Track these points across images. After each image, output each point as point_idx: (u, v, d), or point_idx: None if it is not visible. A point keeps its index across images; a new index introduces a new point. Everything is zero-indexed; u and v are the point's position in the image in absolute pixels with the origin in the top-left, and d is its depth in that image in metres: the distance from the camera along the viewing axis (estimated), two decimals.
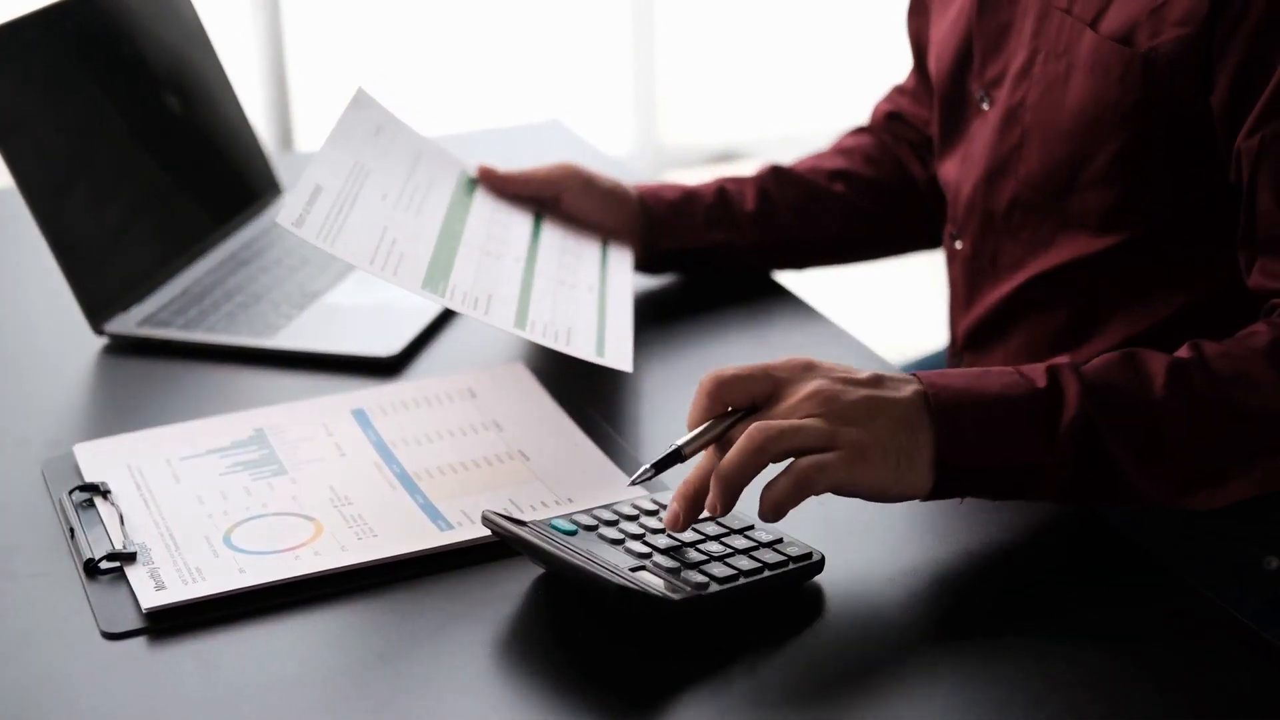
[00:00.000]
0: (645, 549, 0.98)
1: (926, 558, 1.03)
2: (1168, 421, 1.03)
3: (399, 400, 1.22)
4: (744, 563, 0.97)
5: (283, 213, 1.14)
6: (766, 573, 0.97)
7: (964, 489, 1.02)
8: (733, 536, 1.00)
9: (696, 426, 1.01)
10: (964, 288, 1.37)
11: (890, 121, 1.53)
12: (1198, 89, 1.14)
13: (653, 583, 0.95)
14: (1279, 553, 1.26)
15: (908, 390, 1.01)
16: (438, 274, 1.21)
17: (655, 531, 1.01)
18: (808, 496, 0.97)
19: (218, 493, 1.10)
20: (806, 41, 4.18)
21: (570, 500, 1.09)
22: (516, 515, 1.04)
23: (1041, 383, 1.02)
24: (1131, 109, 1.18)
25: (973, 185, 1.32)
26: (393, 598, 1.00)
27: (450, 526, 1.05)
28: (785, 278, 1.49)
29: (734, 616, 0.96)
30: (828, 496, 1.04)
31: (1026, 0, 1.26)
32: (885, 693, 0.91)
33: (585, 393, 1.23)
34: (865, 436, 0.97)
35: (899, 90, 1.54)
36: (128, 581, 1.00)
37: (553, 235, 1.37)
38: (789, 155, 1.54)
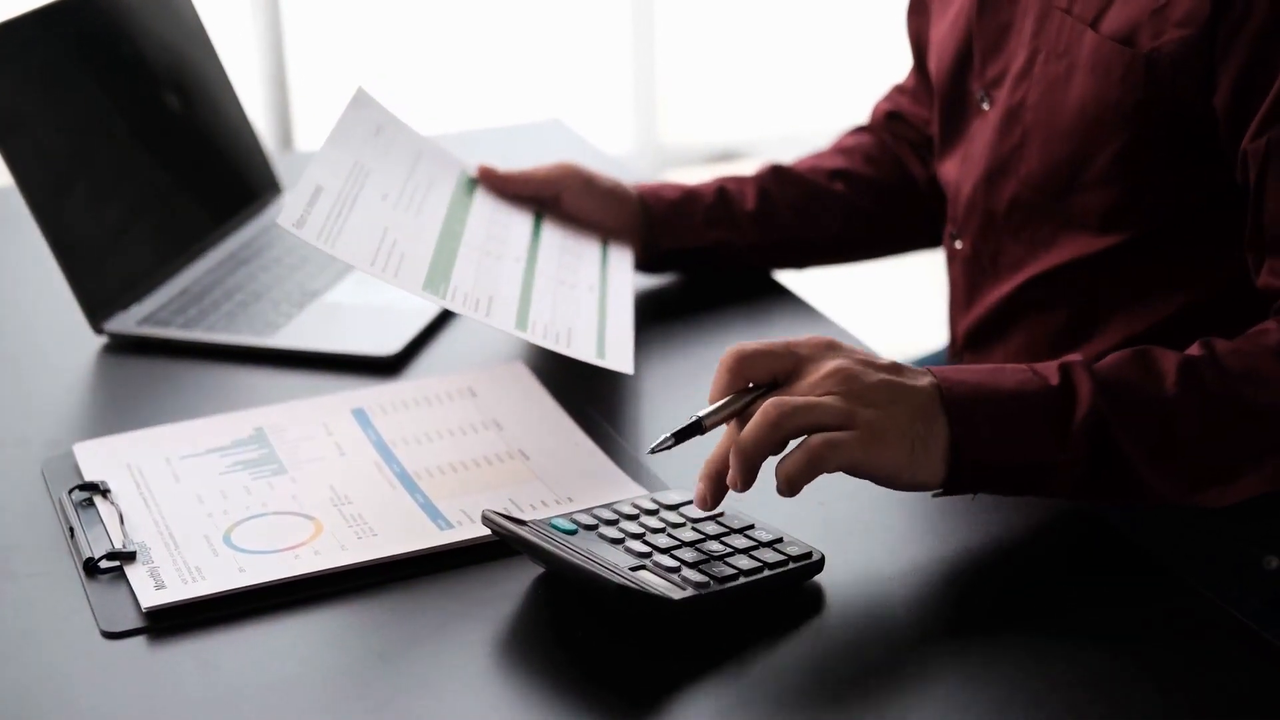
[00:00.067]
0: (645, 548, 0.98)
1: (926, 557, 1.03)
2: (1179, 419, 1.03)
3: (399, 399, 1.22)
4: (744, 562, 0.97)
5: (283, 214, 1.14)
6: (766, 572, 0.97)
7: (976, 485, 1.02)
8: (733, 536, 1.00)
9: (717, 400, 1.01)
10: (964, 287, 1.37)
11: (890, 121, 1.53)
12: (1199, 90, 1.14)
13: (653, 582, 0.95)
14: (1279, 552, 1.26)
15: (923, 381, 1.01)
16: (438, 275, 1.21)
17: (655, 531, 1.01)
18: (821, 473, 0.97)
19: (217, 492, 1.10)
20: (806, 41, 4.18)
21: (570, 499, 1.09)
22: (516, 514, 1.04)
23: (1054, 380, 1.02)
24: (1132, 109, 1.18)
25: (973, 185, 1.32)
26: (392, 597, 1.00)
27: (450, 526, 1.05)
28: (786, 277, 1.49)
29: (734, 616, 0.96)
30: (828, 496, 1.04)
31: (1026, 0, 1.26)
32: (885, 692, 0.91)
33: (585, 392, 1.23)
34: (882, 418, 0.98)
35: (899, 90, 1.54)
36: (127, 581, 1.00)
37: (553, 235, 1.37)
38: (789, 154, 1.54)
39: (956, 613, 0.99)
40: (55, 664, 0.94)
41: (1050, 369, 1.03)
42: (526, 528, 0.98)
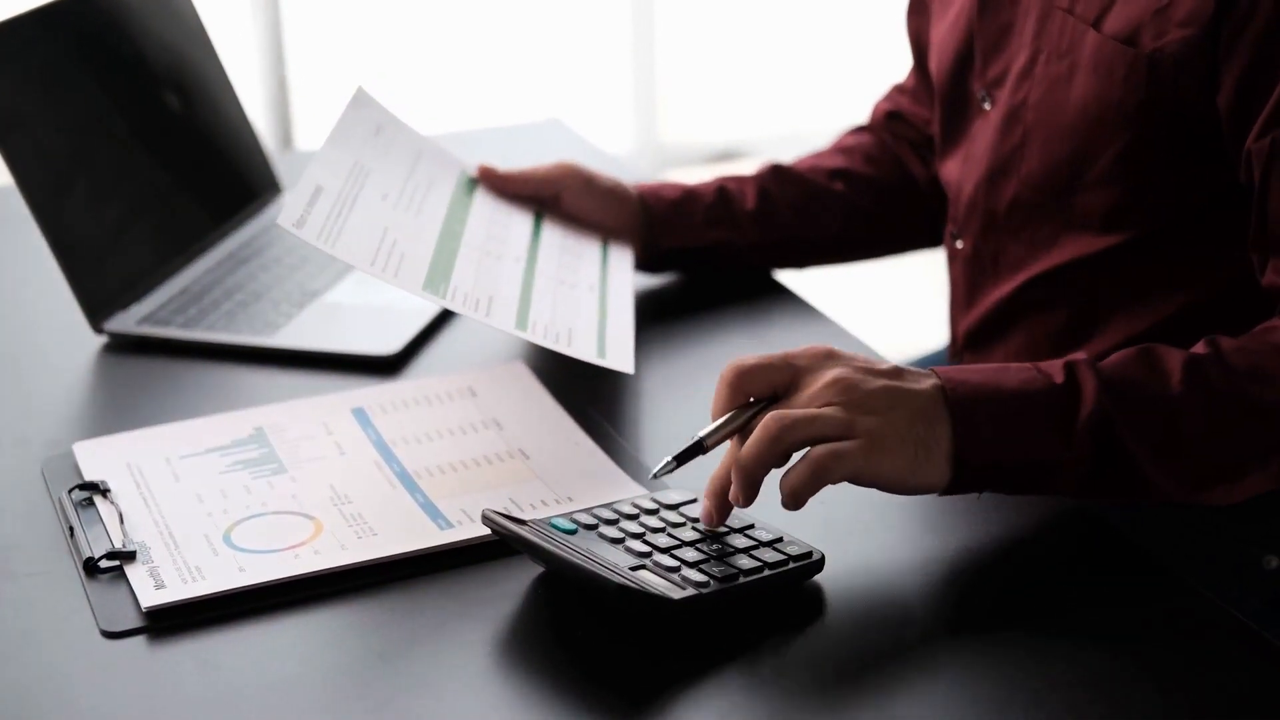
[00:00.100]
0: (645, 548, 0.98)
1: (926, 557, 1.03)
2: (1185, 417, 1.03)
3: (399, 399, 1.22)
4: (744, 562, 0.97)
5: (283, 214, 1.14)
6: (766, 572, 0.97)
7: (981, 484, 1.02)
8: (733, 535, 1.00)
9: (719, 418, 1.02)
10: (965, 287, 1.37)
11: (890, 120, 1.53)
12: (1202, 89, 1.14)
13: (653, 582, 0.95)
14: (1279, 552, 1.26)
15: (926, 383, 1.01)
16: (438, 275, 1.21)
17: (655, 530, 1.01)
18: (825, 485, 0.97)
19: (217, 491, 1.10)
20: (806, 40, 4.18)
21: (570, 499, 1.09)
22: (516, 514, 1.04)
23: (1059, 378, 1.02)
24: (1134, 109, 1.18)
25: (974, 185, 1.32)
26: (392, 596, 1.00)
27: (450, 525, 1.05)
28: (786, 277, 1.49)
29: (734, 615, 0.96)
30: (828, 495, 1.04)
31: (1028, 0, 1.26)
32: (885, 692, 0.91)
33: (585, 392, 1.23)
34: (883, 426, 0.97)
35: (899, 89, 1.54)
36: (127, 580, 1.00)
37: (553, 235, 1.37)
38: (789, 154, 1.54)
39: (957, 612, 0.99)
40: (55, 664, 0.94)
41: (1055, 367, 1.03)
42: (526, 527, 0.98)
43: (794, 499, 0.97)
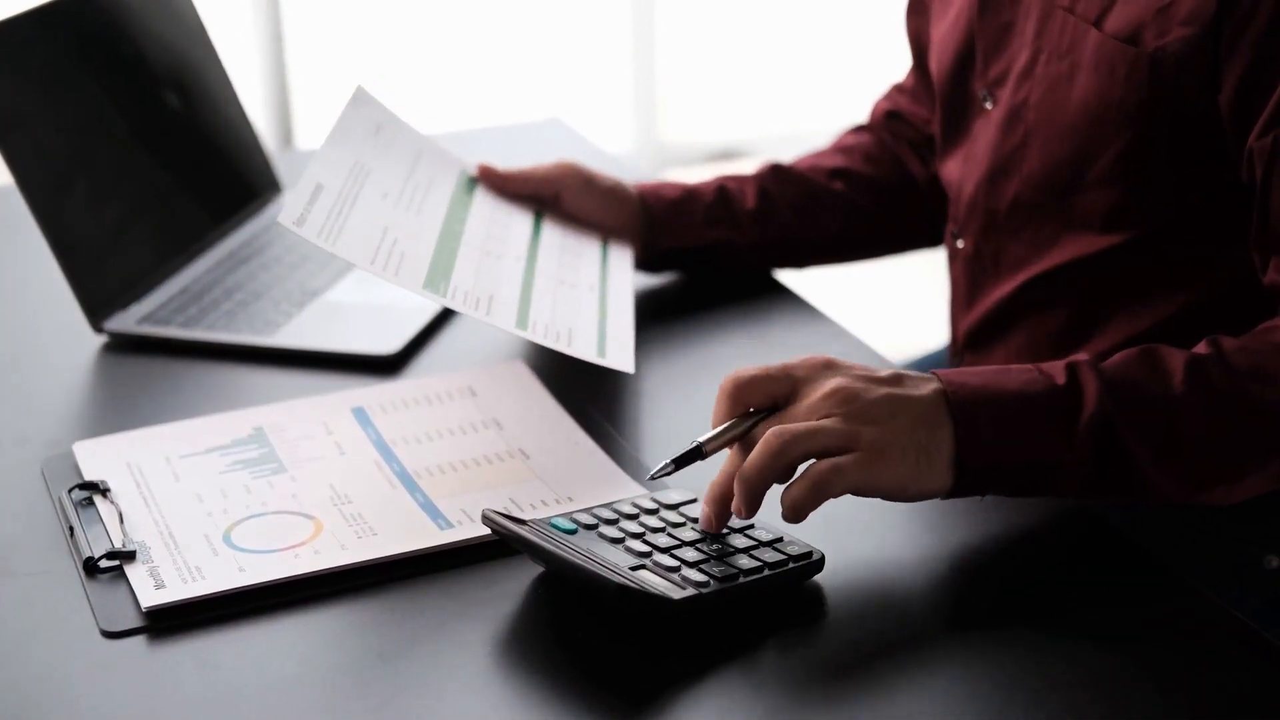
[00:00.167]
0: (645, 548, 0.98)
1: (927, 557, 1.03)
2: (1186, 418, 1.03)
3: (399, 399, 1.22)
4: (744, 562, 0.97)
5: (284, 212, 1.14)
6: (766, 572, 0.97)
7: (983, 487, 1.02)
8: (733, 535, 1.00)
9: (719, 426, 1.02)
10: (965, 287, 1.37)
11: (889, 120, 1.53)
12: (1204, 88, 1.14)
13: (653, 581, 0.95)
14: (1279, 552, 1.26)
15: (927, 388, 1.01)
16: (439, 274, 1.21)
17: (655, 530, 1.01)
18: (827, 499, 0.97)
19: (217, 491, 1.10)
20: (806, 40, 4.18)
21: (570, 499, 1.09)
22: (516, 514, 1.04)
23: (1061, 380, 1.02)
24: (1136, 108, 1.18)
25: (975, 184, 1.32)
26: (392, 596, 0.99)
27: (450, 525, 1.05)
28: (786, 277, 1.49)
29: (734, 615, 0.96)
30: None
31: (1028, 0, 1.26)
32: (885, 692, 0.91)
33: (585, 391, 1.23)
34: (885, 435, 0.97)
35: (898, 89, 1.54)
36: (127, 580, 1.00)
37: (553, 234, 1.37)
38: (789, 153, 1.54)
39: (957, 612, 0.99)
40: (55, 663, 0.94)
41: (1057, 368, 1.03)
42: (526, 527, 0.98)
43: (795, 514, 0.97)
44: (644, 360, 1.27)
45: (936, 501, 1.05)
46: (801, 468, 0.98)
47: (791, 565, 0.98)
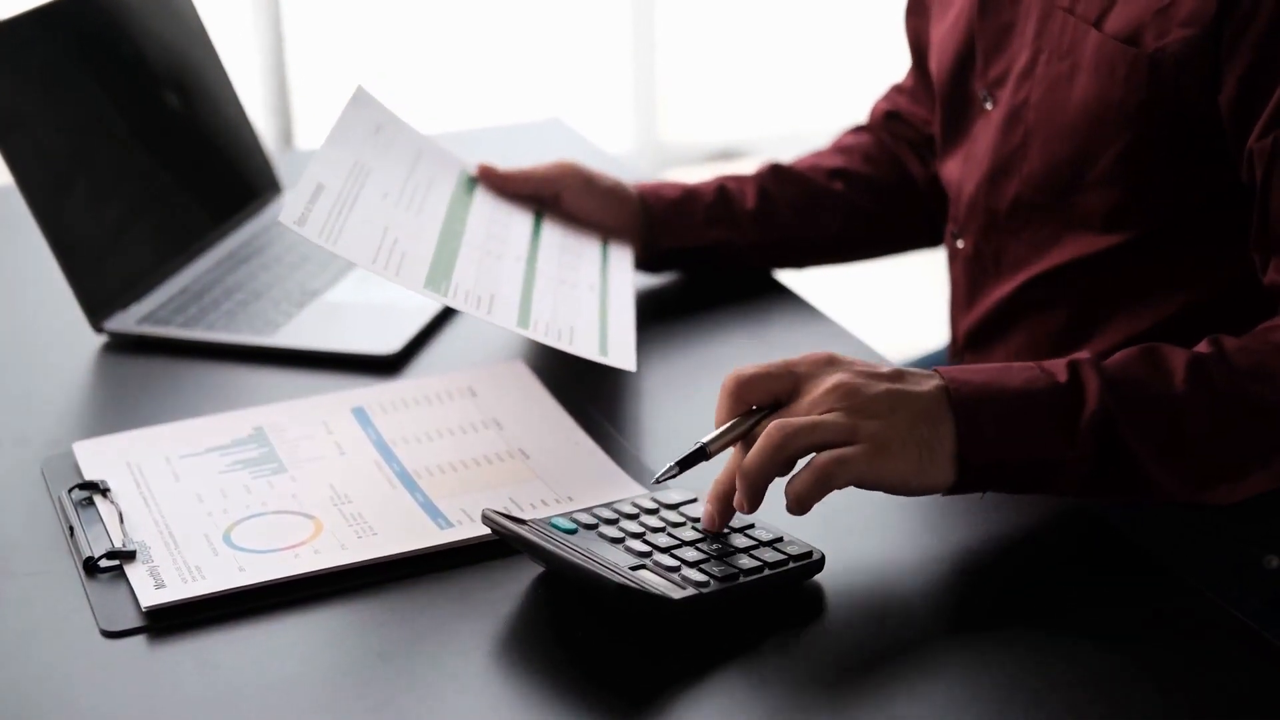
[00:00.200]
0: (645, 548, 0.98)
1: (927, 556, 1.03)
2: (1188, 416, 1.03)
3: (399, 398, 1.22)
4: (744, 561, 0.97)
5: (285, 211, 1.14)
6: (766, 571, 0.97)
7: (985, 484, 1.02)
8: (733, 535, 1.00)
9: (721, 425, 1.02)
10: (965, 287, 1.37)
11: (889, 120, 1.53)
12: (1204, 89, 1.14)
13: (653, 581, 0.95)
14: (1279, 552, 1.26)
15: (929, 385, 1.01)
16: (440, 274, 1.21)
17: (655, 530, 1.01)
18: (830, 490, 0.97)
19: (217, 491, 1.10)
20: (806, 40, 4.18)
21: (570, 499, 1.09)
22: (516, 514, 1.04)
23: (1062, 377, 1.02)
24: (1136, 109, 1.18)
25: (975, 184, 1.32)
26: (392, 596, 0.99)
27: (450, 525, 1.05)
28: (786, 276, 1.49)
29: (734, 615, 0.96)
30: (829, 495, 1.04)
31: (1029, 0, 1.26)
32: (885, 691, 0.91)
33: (585, 391, 1.23)
34: (886, 430, 0.98)
35: (897, 89, 1.54)
36: (127, 580, 1.00)
37: (553, 234, 1.37)
38: (789, 153, 1.54)
39: (957, 612, 0.99)
40: (55, 663, 0.94)
41: (1058, 366, 1.03)
42: (526, 527, 0.98)
43: (799, 505, 0.97)
44: (644, 360, 1.27)
45: (937, 501, 1.05)
46: (802, 462, 0.98)
47: (791, 565, 0.98)
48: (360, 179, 1.25)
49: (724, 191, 1.44)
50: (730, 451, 1.02)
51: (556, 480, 1.11)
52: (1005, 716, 0.90)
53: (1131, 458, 1.02)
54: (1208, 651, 0.94)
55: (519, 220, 1.37)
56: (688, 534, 1.00)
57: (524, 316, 1.22)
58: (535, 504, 1.08)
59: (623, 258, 1.39)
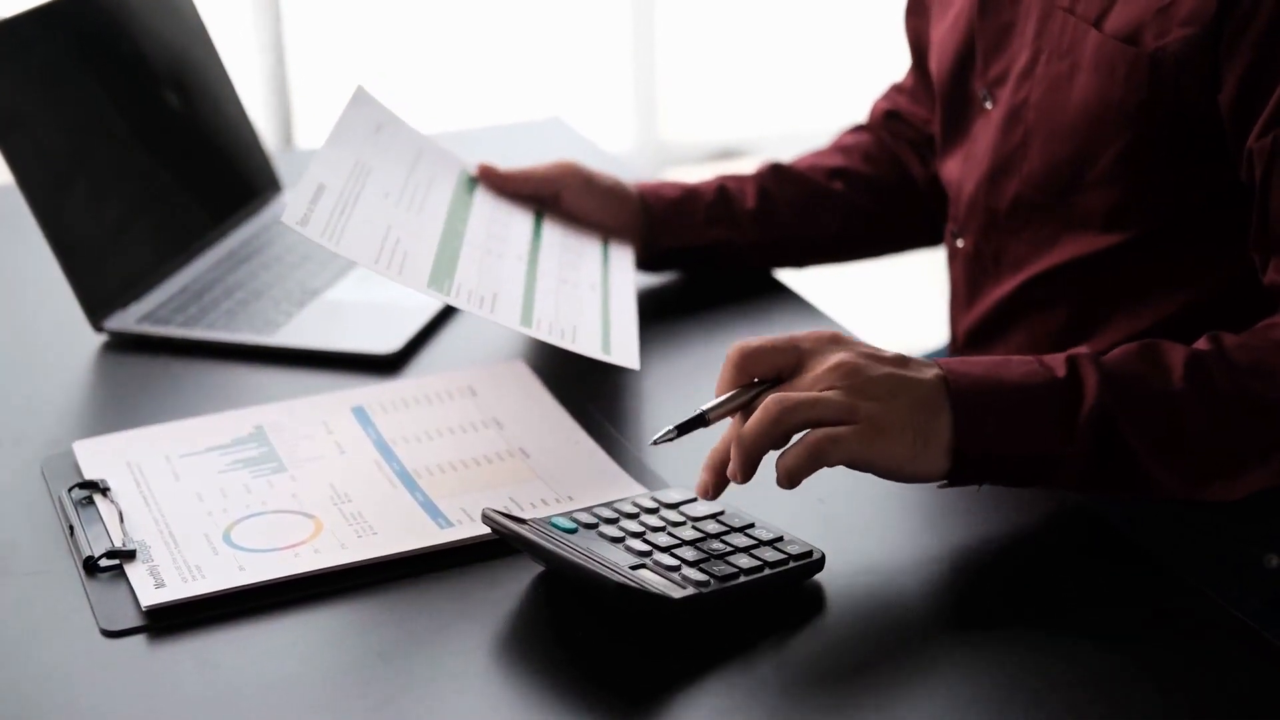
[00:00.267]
0: (645, 547, 0.98)
1: (927, 556, 1.03)
2: (1186, 413, 1.03)
3: (399, 398, 1.22)
4: (744, 561, 0.97)
5: (287, 212, 1.14)
6: (767, 571, 0.97)
7: (981, 476, 1.02)
8: (733, 534, 1.00)
9: (723, 395, 1.02)
10: (965, 286, 1.37)
11: (889, 120, 1.53)
12: (1203, 88, 1.14)
13: (653, 581, 0.95)
14: (1279, 551, 1.26)
15: (930, 373, 1.01)
16: (442, 273, 1.21)
17: (655, 529, 1.01)
18: (821, 467, 0.97)
19: (217, 490, 1.10)
20: (806, 39, 4.18)
21: (570, 498, 1.09)
22: (517, 513, 1.04)
23: (1061, 372, 1.02)
24: (1136, 109, 1.18)
25: (975, 184, 1.32)
26: (392, 596, 0.99)
27: (450, 524, 1.05)
28: (786, 276, 1.49)
29: (734, 615, 0.96)
30: (828, 494, 1.04)
31: (1029, 0, 1.26)
32: (886, 691, 0.91)
33: (586, 391, 1.23)
34: (884, 412, 0.98)
35: (897, 89, 1.54)
36: (127, 579, 1.00)
37: (554, 234, 1.37)
38: (789, 153, 1.54)
39: (957, 611, 0.99)
40: (55, 663, 0.94)
41: (1058, 361, 1.03)
42: (526, 526, 0.98)
43: (789, 479, 0.97)
44: (644, 359, 1.27)
45: (937, 500, 1.05)
46: (797, 437, 0.98)
47: (792, 564, 0.98)
48: (361, 179, 1.25)
49: (724, 191, 1.44)
50: (728, 423, 1.02)
51: (556, 480, 1.11)
52: (1006, 715, 0.90)
53: (1129, 454, 1.02)
54: (1208, 651, 0.94)
55: (519, 220, 1.37)
56: (688, 533, 1.00)
57: (527, 315, 1.22)
58: (535, 503, 1.08)
59: (623, 257, 1.39)
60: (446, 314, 1.39)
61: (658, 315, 1.38)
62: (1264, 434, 1.05)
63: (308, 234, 1.14)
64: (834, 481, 1.06)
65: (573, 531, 1.00)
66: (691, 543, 0.99)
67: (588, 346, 1.21)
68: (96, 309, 1.36)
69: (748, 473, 0.98)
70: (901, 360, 1.02)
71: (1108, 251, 1.24)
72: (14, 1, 1.41)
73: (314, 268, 1.47)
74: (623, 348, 1.23)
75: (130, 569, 1.00)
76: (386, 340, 1.33)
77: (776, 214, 1.44)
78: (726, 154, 3.95)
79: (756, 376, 1.02)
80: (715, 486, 1.00)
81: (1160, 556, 1.03)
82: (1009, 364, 1.03)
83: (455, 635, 0.96)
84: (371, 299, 1.41)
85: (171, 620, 0.97)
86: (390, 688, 0.91)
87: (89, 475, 1.11)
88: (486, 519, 1.00)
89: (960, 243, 1.36)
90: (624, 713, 0.90)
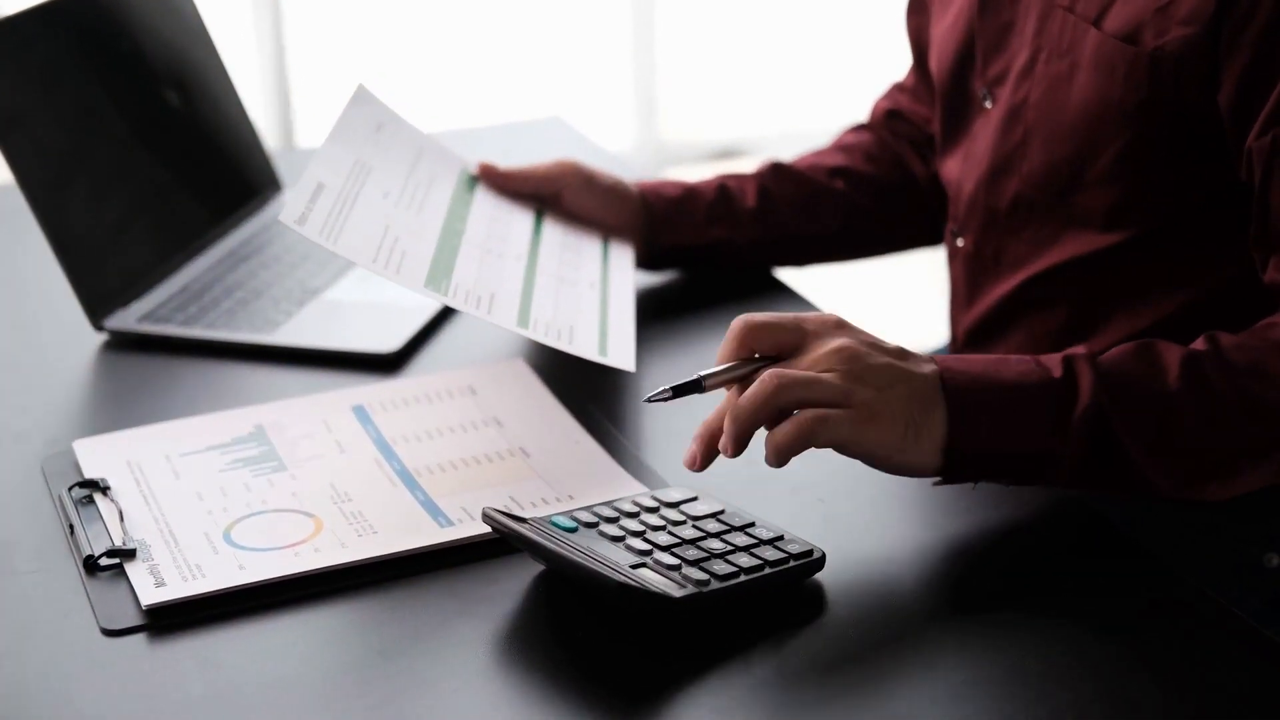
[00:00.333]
0: (646, 546, 0.98)
1: (927, 555, 1.03)
2: (1180, 414, 1.03)
3: (399, 397, 1.22)
4: (745, 560, 0.97)
5: (285, 210, 1.14)
6: (767, 570, 0.97)
7: (975, 474, 1.02)
8: (734, 534, 1.00)
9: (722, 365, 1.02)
10: (965, 285, 1.37)
11: (890, 119, 1.53)
12: (1203, 88, 1.14)
13: (653, 580, 0.95)
14: (1279, 551, 1.26)
15: (927, 368, 1.02)
16: (440, 273, 1.21)
17: (656, 528, 1.01)
18: (810, 446, 0.97)
19: (217, 489, 1.10)
20: (807, 38, 4.18)
21: (571, 497, 1.09)
22: (517, 512, 1.04)
23: (1057, 372, 1.03)
24: (1135, 108, 1.18)
25: (975, 183, 1.32)
26: (392, 595, 0.99)
27: (450, 523, 1.05)
28: (786, 275, 1.49)
29: (734, 614, 0.96)
30: (828, 493, 1.04)
31: None
32: (886, 690, 0.91)
33: (586, 390, 1.23)
34: (878, 400, 0.98)
35: (898, 88, 1.54)
36: (127, 578, 1.00)
37: (554, 232, 1.37)
38: (789, 152, 1.54)
39: (957, 610, 0.99)
40: (55, 662, 0.94)
41: (1054, 360, 1.04)
42: (527, 525, 0.98)
43: (778, 455, 0.97)
44: (644, 359, 1.27)
45: (936, 499, 1.05)
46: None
47: (792, 563, 0.98)
48: (361, 178, 1.25)
49: (725, 190, 1.44)
50: (723, 396, 1.02)
51: (557, 479, 1.11)
52: (1006, 714, 0.90)
53: (1123, 454, 1.02)
54: (1208, 650, 0.94)
55: (520, 219, 1.37)
56: (688, 532, 1.00)
57: (524, 316, 1.22)
58: (535, 502, 1.08)
59: (623, 256, 1.39)
60: (446, 313, 1.39)
61: (658, 315, 1.38)
62: (1260, 434, 1.04)
63: (305, 233, 1.14)
64: (834, 481, 1.07)
65: (573, 530, 1.00)
66: (692, 542, 0.99)
67: (584, 348, 1.21)
68: (96, 308, 1.36)
69: (739, 446, 0.98)
70: (901, 353, 1.02)
71: (1108, 251, 1.24)
72: (14, 1, 1.41)
73: (314, 267, 1.47)
74: (619, 350, 1.23)
75: (130, 568, 1.00)
76: (386, 339, 1.33)
77: (777, 213, 1.44)
78: (726, 153, 3.95)
79: (758, 352, 1.02)
80: (704, 457, 1.00)
81: (1161, 556, 1.03)
82: (1006, 363, 1.03)
83: (455, 634, 0.96)
84: (371, 298, 1.41)
85: (171, 619, 0.97)
86: (390, 687, 0.91)
87: (89, 474, 1.11)
88: (487, 518, 1.00)
89: (960, 242, 1.36)
90: (624, 713, 0.90)
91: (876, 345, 1.02)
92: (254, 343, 1.34)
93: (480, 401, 1.22)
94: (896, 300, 3.19)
